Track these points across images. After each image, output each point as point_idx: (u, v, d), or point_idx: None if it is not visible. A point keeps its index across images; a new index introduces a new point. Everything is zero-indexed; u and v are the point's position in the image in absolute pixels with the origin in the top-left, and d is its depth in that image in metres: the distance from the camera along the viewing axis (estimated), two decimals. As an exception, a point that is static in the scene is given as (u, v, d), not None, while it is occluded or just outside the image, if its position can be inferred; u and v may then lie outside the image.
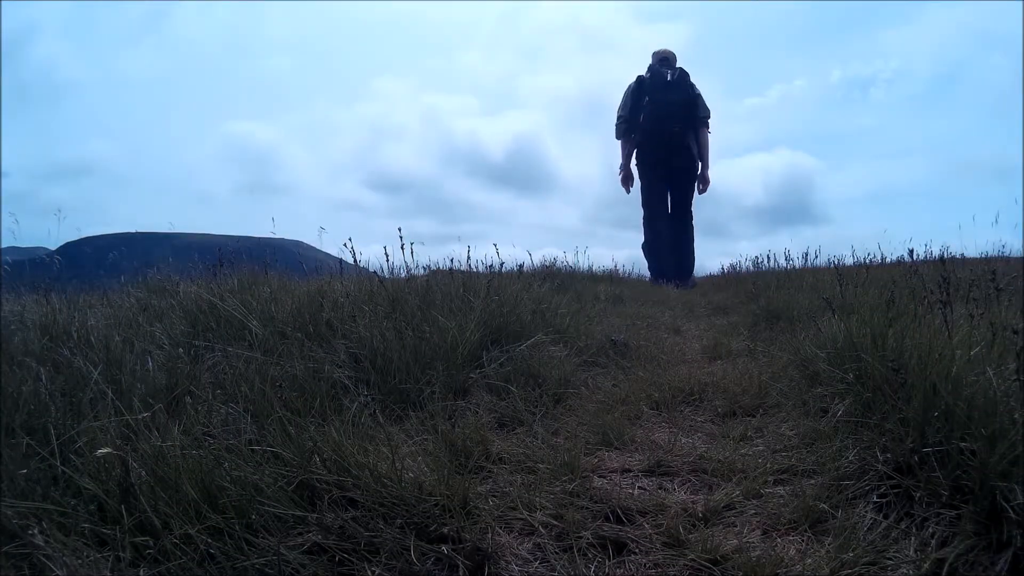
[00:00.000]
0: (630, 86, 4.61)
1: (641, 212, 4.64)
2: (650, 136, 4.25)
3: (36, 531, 1.25)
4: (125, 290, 3.81)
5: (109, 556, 1.28)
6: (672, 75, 4.44)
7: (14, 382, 1.86)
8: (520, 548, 1.47)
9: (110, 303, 3.41)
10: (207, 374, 2.24)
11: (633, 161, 4.51)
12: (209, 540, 1.32)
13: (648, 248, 4.74)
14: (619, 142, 4.58)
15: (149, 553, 1.29)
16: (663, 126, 4.26)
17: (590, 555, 1.45)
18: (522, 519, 1.57)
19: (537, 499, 1.63)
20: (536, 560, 1.43)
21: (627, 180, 4.57)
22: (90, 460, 1.50)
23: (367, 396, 2.14)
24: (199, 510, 1.39)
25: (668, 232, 4.48)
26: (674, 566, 1.41)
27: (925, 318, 2.22)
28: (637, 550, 1.48)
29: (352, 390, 2.20)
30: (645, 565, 1.42)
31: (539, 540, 1.49)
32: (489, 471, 1.86)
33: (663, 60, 4.73)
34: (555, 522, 1.55)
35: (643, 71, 4.71)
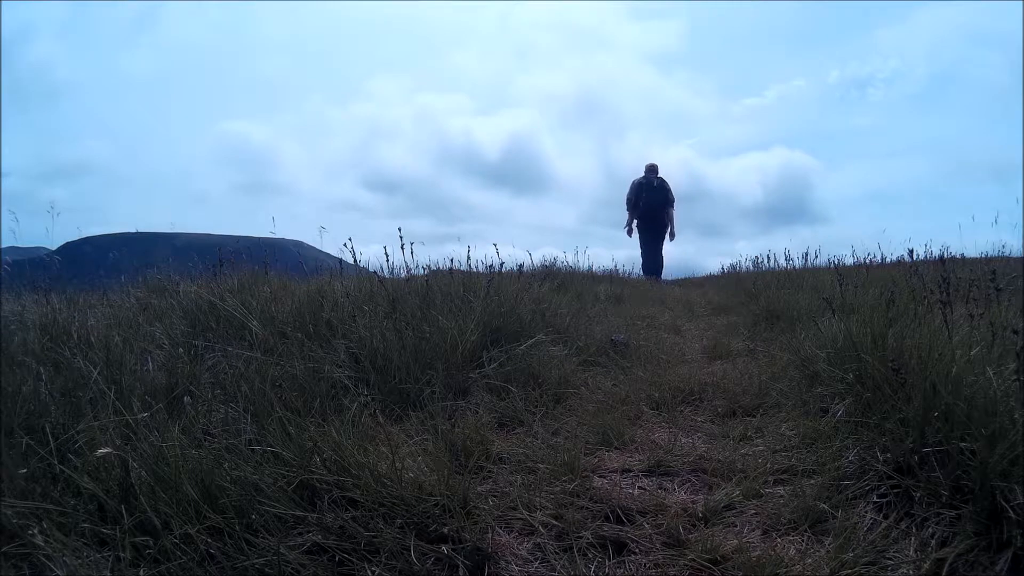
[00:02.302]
0: (634, 183, 8.30)
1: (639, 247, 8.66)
2: (645, 214, 8.25)
3: (36, 531, 1.25)
4: (125, 290, 3.81)
5: (109, 556, 1.28)
6: (657, 182, 8.27)
7: (14, 382, 1.86)
8: (520, 548, 1.47)
9: (110, 303, 3.41)
10: (207, 374, 2.24)
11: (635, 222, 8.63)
12: (209, 540, 1.32)
13: (643, 261, 8.55)
14: (627, 212, 8.39)
15: (149, 553, 1.29)
16: (652, 210, 8.20)
17: (590, 555, 1.45)
18: (522, 519, 1.57)
19: (537, 499, 1.64)
20: (536, 560, 1.44)
21: (630, 232, 8.43)
22: (90, 460, 1.50)
23: (367, 396, 2.14)
24: (199, 510, 1.39)
25: (652, 256, 8.39)
26: (674, 566, 1.41)
27: (925, 318, 2.22)
28: (637, 550, 1.48)
29: (352, 390, 2.20)
30: (645, 565, 1.42)
31: (539, 540, 1.50)
32: (489, 471, 1.86)
33: (652, 169, 8.46)
34: (555, 522, 1.56)
35: (640, 172, 8.55)
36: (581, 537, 1.50)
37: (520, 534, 1.53)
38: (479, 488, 1.70)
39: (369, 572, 1.33)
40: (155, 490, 1.41)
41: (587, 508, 1.64)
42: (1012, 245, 5.53)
